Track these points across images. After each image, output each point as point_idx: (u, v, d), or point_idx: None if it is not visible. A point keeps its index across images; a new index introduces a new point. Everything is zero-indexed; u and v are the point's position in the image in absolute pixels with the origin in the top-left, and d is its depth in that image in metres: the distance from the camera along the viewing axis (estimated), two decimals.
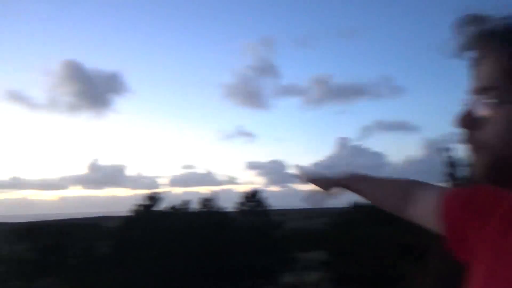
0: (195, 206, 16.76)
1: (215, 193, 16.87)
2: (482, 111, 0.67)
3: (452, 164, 7.77)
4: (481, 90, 0.67)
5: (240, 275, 13.96)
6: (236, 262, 13.39)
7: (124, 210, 19.39)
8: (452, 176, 6.93)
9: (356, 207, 16.04)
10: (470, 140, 0.69)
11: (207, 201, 16.18)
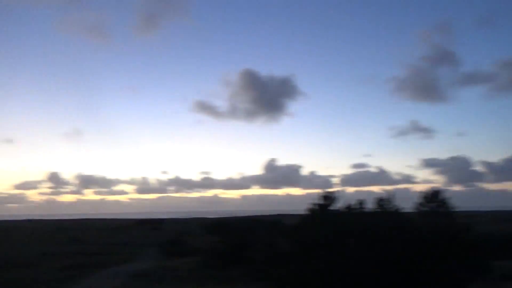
0: (370, 205, 16.40)
1: (391, 192, 16.17)
2: None
3: None
4: None
5: (423, 282, 13.10)
6: (418, 268, 12.61)
7: (299, 208, 20.23)
8: None
9: None
10: None
11: (382, 201, 15.68)
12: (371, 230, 13.16)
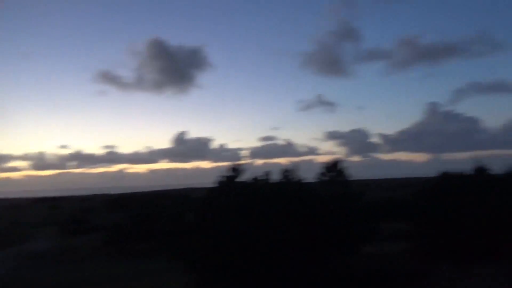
0: (276, 177, 16.99)
1: (295, 164, 16.92)
2: None
3: None
4: None
5: (320, 244, 14.04)
6: (316, 232, 13.46)
7: (208, 182, 20.28)
8: None
9: (445, 175, 15.23)
10: None
11: (287, 172, 16.32)
12: (275, 199, 13.68)
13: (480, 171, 15.36)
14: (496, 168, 15.64)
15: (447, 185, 14.06)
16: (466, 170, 16.32)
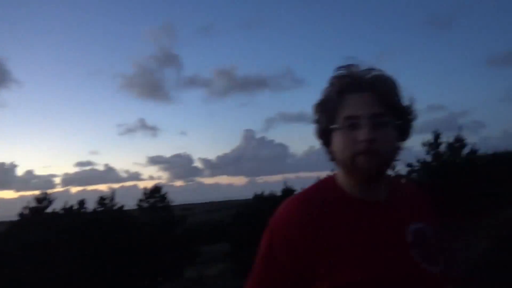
0: (92, 205, 15.89)
1: (114, 191, 16.14)
2: (374, 130, 1.00)
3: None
4: (372, 115, 1.02)
5: (142, 273, 13.58)
6: (136, 261, 12.98)
7: (11, 214, 17.66)
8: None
9: (257, 197, 16.51)
10: (371, 148, 1.00)
11: (104, 199, 15.42)
12: (90, 229, 12.72)
13: (287, 192, 17.16)
14: (298, 188, 17.73)
15: (258, 206, 15.28)
16: (277, 191, 18.10)
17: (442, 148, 10.73)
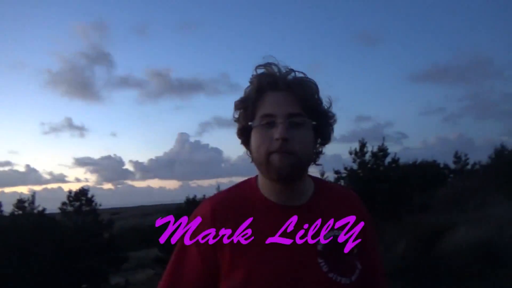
0: (9, 208, 14.81)
1: (35, 193, 15.15)
2: (289, 129, 1.02)
3: None
4: (288, 115, 1.04)
5: (63, 281, 12.84)
6: (58, 268, 12.27)
7: None
8: None
9: (188, 201, 16.30)
10: (285, 147, 1.01)
11: (23, 202, 14.41)
12: (5, 234, 11.83)
13: None
14: None
15: (190, 210, 15.07)
16: (210, 195, 17.94)
17: (367, 156, 11.30)
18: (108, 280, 15.19)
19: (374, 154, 11.16)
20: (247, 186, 1.16)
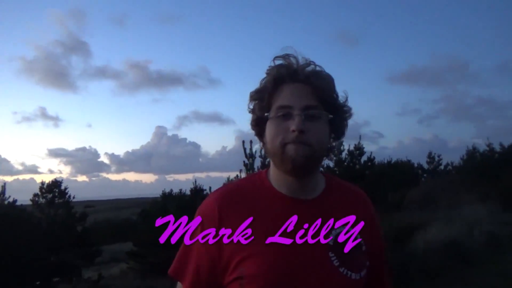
0: None
1: (5, 184, 14.72)
2: (306, 122, 1.01)
3: (250, 155, 8.50)
4: (305, 107, 1.03)
5: (34, 274, 12.56)
6: (28, 261, 11.98)
7: None
8: (247, 166, 7.57)
9: (164, 195, 16.16)
10: (301, 139, 1.00)
11: None
12: None
13: (197, 191, 17.05)
14: (208, 188, 17.69)
15: (166, 204, 14.96)
16: (186, 189, 17.83)
17: (344, 155, 11.44)
18: (81, 274, 14.96)
19: (350, 153, 11.30)
20: (257, 178, 1.15)
